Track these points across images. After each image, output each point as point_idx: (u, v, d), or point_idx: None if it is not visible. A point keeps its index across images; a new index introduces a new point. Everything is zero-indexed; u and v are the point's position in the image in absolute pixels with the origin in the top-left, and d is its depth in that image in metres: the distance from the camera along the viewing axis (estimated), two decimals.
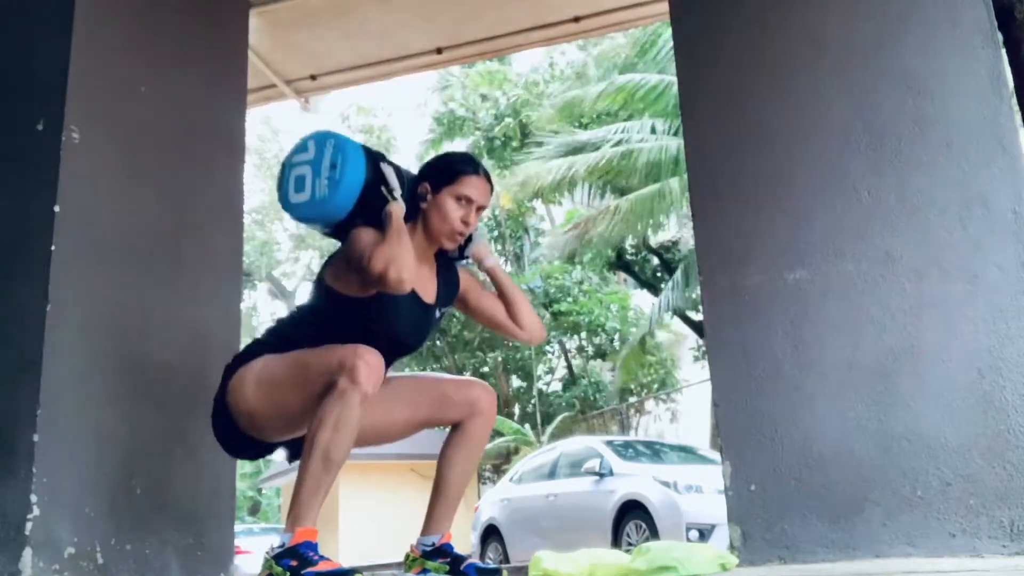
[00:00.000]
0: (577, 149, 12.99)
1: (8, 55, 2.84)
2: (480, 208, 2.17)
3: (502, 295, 2.29)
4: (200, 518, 3.01)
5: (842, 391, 2.59)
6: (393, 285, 1.92)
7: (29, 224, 2.62)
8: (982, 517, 2.39)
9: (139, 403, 2.82)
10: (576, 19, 4.47)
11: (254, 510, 27.96)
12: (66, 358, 2.56)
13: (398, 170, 2.18)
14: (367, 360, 1.88)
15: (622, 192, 13.09)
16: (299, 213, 2.15)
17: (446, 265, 2.26)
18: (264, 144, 25.24)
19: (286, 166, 2.16)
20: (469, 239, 2.21)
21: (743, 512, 2.61)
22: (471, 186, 2.14)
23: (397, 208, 2.06)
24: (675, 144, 11.52)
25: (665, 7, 3.22)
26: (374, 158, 2.14)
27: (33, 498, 2.40)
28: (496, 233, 18.80)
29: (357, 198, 2.08)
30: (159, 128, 3.07)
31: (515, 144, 17.65)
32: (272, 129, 25.72)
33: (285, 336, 2.11)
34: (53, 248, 2.56)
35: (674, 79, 10.80)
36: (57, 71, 2.70)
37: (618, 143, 12.45)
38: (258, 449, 2.17)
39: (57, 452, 2.49)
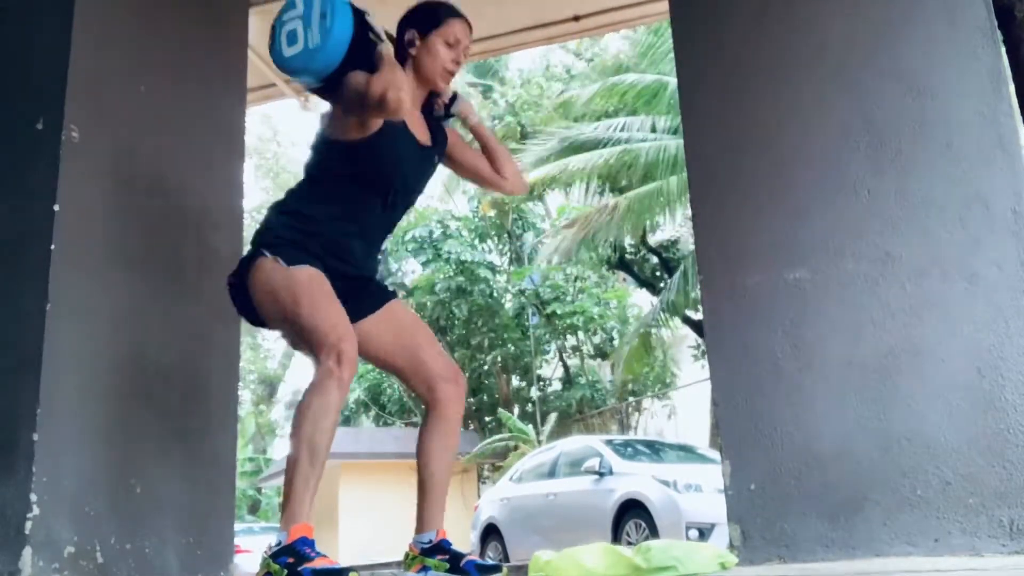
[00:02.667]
0: (576, 147, 12.97)
1: (8, 55, 2.84)
2: (465, 48, 2.28)
3: (486, 149, 2.41)
4: (200, 517, 3.01)
5: (842, 391, 2.59)
6: (392, 105, 2.00)
7: (29, 224, 2.62)
8: (982, 516, 2.39)
9: (139, 403, 2.82)
10: (576, 18, 4.47)
11: (254, 509, 27.97)
12: (66, 358, 2.56)
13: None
14: (345, 349, 1.95)
15: (620, 190, 13.08)
16: (293, 64, 2.18)
17: (433, 121, 2.34)
18: (264, 143, 25.21)
19: (277, 25, 2.21)
20: (454, 98, 2.32)
21: (743, 511, 2.61)
22: (458, 28, 2.25)
23: (387, 48, 2.14)
24: (674, 144, 11.53)
25: (665, 7, 3.22)
26: (358, 11, 2.19)
27: (33, 497, 2.40)
28: (494, 232, 18.80)
29: (347, 48, 2.13)
30: (159, 128, 3.07)
31: (513, 145, 17.66)
32: (272, 128, 25.70)
33: (297, 209, 2.17)
34: (53, 248, 2.56)
35: (671, 78, 10.83)
36: (57, 71, 2.70)
37: (617, 142, 12.44)
38: None
39: (57, 452, 2.49)
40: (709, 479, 6.90)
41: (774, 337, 2.69)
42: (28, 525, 2.37)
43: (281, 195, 2.28)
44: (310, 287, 2.06)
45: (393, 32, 2.28)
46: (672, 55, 3.27)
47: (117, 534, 2.65)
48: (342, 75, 2.12)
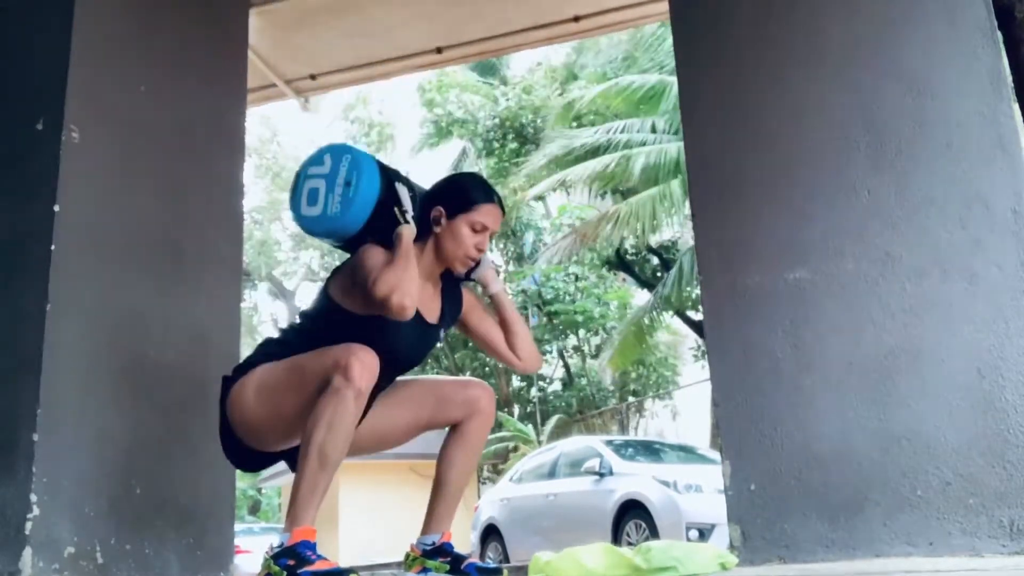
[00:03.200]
0: (577, 152, 12.99)
1: (8, 55, 2.84)
2: (492, 234, 2.18)
3: (503, 322, 2.27)
4: (200, 518, 3.01)
5: (842, 391, 2.59)
6: (396, 312, 1.92)
7: (29, 224, 2.62)
8: (982, 517, 2.39)
9: (139, 403, 2.82)
10: (576, 19, 4.47)
11: (254, 509, 27.97)
12: (66, 358, 2.56)
13: (411, 188, 2.19)
14: (361, 357, 1.89)
15: (622, 193, 13.10)
16: (310, 226, 2.15)
17: (451, 284, 2.25)
18: (264, 144, 25.22)
19: (300, 176, 2.16)
20: (477, 262, 2.20)
21: (743, 512, 2.61)
22: (487, 214, 2.14)
23: (407, 232, 2.06)
24: (675, 147, 11.54)
25: (665, 7, 3.22)
26: (388, 176, 2.14)
27: (33, 498, 2.40)
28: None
29: (369, 216, 2.08)
30: (159, 128, 3.08)
31: (513, 146, 17.66)
32: (272, 129, 25.71)
33: (286, 343, 2.11)
34: (53, 248, 2.56)
35: (672, 79, 10.84)
36: (57, 71, 2.70)
37: (617, 146, 12.45)
38: (261, 460, 2.16)
39: (57, 452, 2.49)
40: (709, 479, 6.90)
41: (774, 337, 2.69)
42: (28, 525, 2.37)
43: (275, 335, 2.22)
44: (289, 360, 2.01)
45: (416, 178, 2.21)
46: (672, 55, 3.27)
47: (117, 534, 2.65)
48: (362, 240, 2.07)
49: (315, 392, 1.91)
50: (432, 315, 2.17)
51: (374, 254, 2.01)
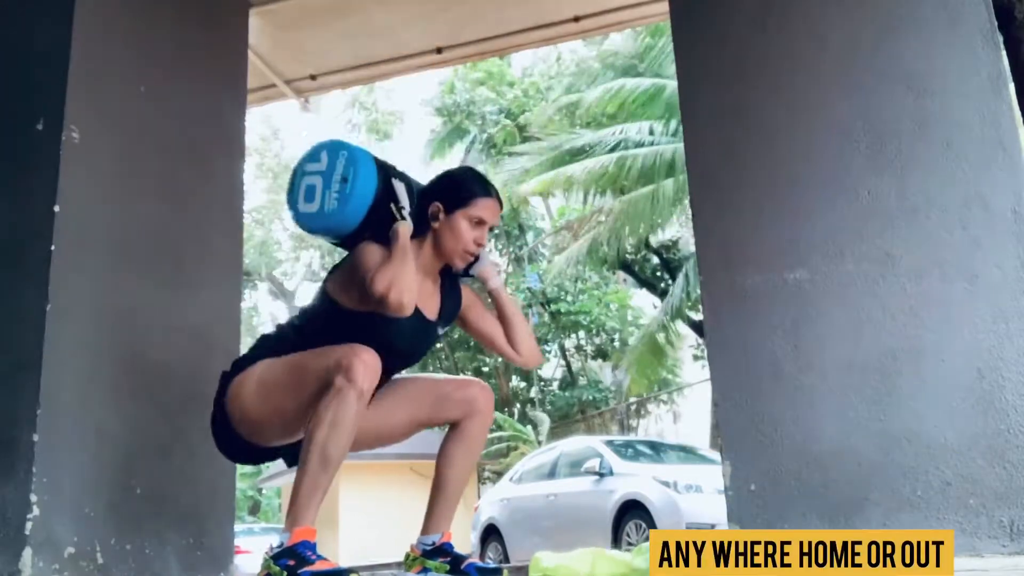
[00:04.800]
0: (574, 153, 13.02)
1: (8, 55, 2.84)
2: (491, 228, 2.18)
3: (502, 317, 2.27)
4: (200, 518, 3.01)
5: (842, 391, 2.59)
6: (394, 308, 1.92)
7: (29, 224, 2.62)
8: (982, 517, 2.39)
9: (139, 403, 2.82)
10: (576, 19, 4.47)
11: (254, 510, 27.96)
12: (66, 358, 2.56)
13: (408, 184, 2.18)
14: (363, 358, 1.89)
15: (622, 191, 13.11)
16: (307, 223, 2.15)
17: (450, 280, 2.25)
18: (264, 144, 25.22)
19: (297, 173, 2.15)
20: (476, 258, 2.20)
21: (743, 512, 2.61)
22: (485, 208, 2.14)
23: (405, 228, 2.06)
24: (670, 149, 11.58)
25: (665, 7, 3.22)
26: (386, 172, 2.14)
27: (33, 498, 2.40)
28: (495, 232, 18.77)
29: (367, 212, 2.08)
30: (159, 128, 3.08)
31: (513, 145, 17.67)
32: (272, 129, 25.71)
33: (285, 340, 2.11)
34: (53, 248, 2.56)
35: (670, 81, 10.85)
36: (57, 71, 2.70)
37: (615, 147, 12.49)
38: (258, 455, 2.17)
39: (57, 452, 2.49)
40: (709, 480, 6.90)
41: (774, 337, 2.69)
42: (28, 525, 2.37)
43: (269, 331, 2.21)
44: (290, 357, 2.00)
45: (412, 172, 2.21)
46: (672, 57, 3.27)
47: (117, 534, 2.65)
48: (360, 236, 2.07)
49: (316, 391, 1.90)
50: (431, 311, 2.17)
51: (372, 251, 2.01)
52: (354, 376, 1.86)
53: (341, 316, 2.06)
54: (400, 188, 2.13)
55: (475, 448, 2.22)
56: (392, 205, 2.09)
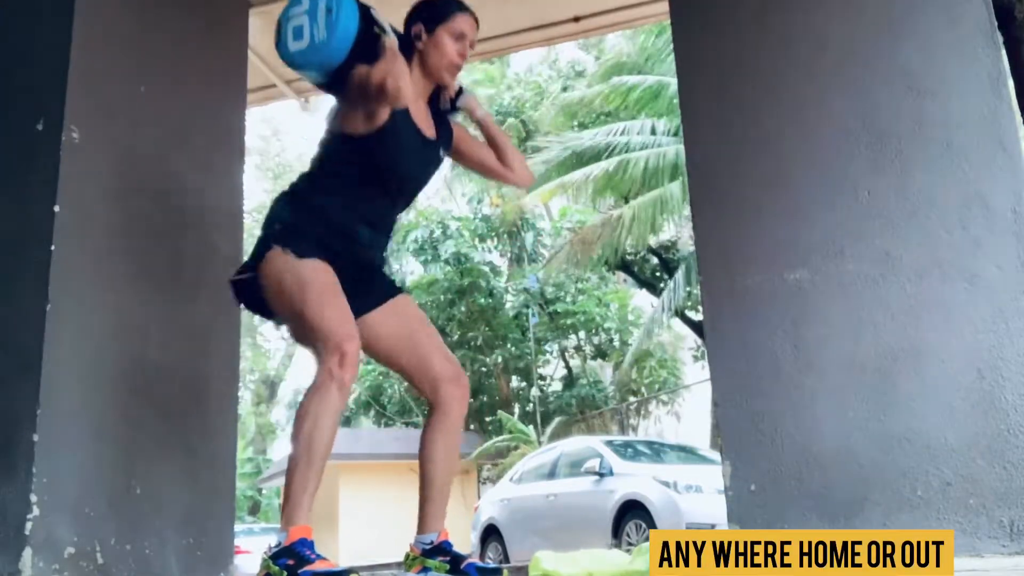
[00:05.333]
0: (577, 153, 13.00)
1: (8, 55, 2.84)
2: (471, 42, 2.29)
3: (492, 142, 2.39)
4: (200, 518, 3.01)
5: (842, 391, 2.59)
6: (392, 93, 2.02)
7: (29, 224, 2.62)
8: (982, 517, 2.39)
9: (139, 403, 2.82)
10: (576, 19, 4.46)
11: (254, 510, 27.97)
12: (66, 358, 2.56)
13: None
14: (346, 349, 1.95)
15: (623, 196, 13.10)
16: (299, 59, 2.19)
17: (439, 115, 2.35)
18: (264, 144, 25.22)
19: (282, 20, 2.21)
20: (460, 92, 2.33)
21: (743, 512, 2.61)
22: (464, 22, 2.27)
23: (391, 40, 2.14)
24: (673, 149, 11.55)
25: (665, 7, 3.22)
26: (364, 7, 2.20)
27: (33, 498, 2.40)
28: (495, 233, 18.79)
29: (352, 42, 2.13)
30: (159, 128, 3.07)
31: (515, 144, 17.63)
32: (272, 129, 25.71)
33: (296, 195, 2.19)
34: (53, 248, 2.56)
35: (671, 79, 10.84)
36: (57, 71, 2.70)
37: (617, 149, 12.46)
38: None
39: (57, 452, 2.49)
40: (709, 480, 6.90)
41: (774, 337, 2.69)
42: (28, 526, 2.37)
43: (286, 187, 2.29)
44: (317, 283, 2.06)
45: (399, 27, 2.29)
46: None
47: (117, 534, 2.64)
48: (348, 69, 2.13)
49: (311, 339, 2.02)
50: (430, 131, 2.27)
51: (363, 67, 2.09)
52: (345, 363, 1.94)
53: (349, 145, 2.17)
54: (378, 14, 2.19)
55: (453, 441, 2.26)
56: (375, 27, 2.16)
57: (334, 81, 2.21)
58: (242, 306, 2.27)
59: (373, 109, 2.12)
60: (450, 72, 2.27)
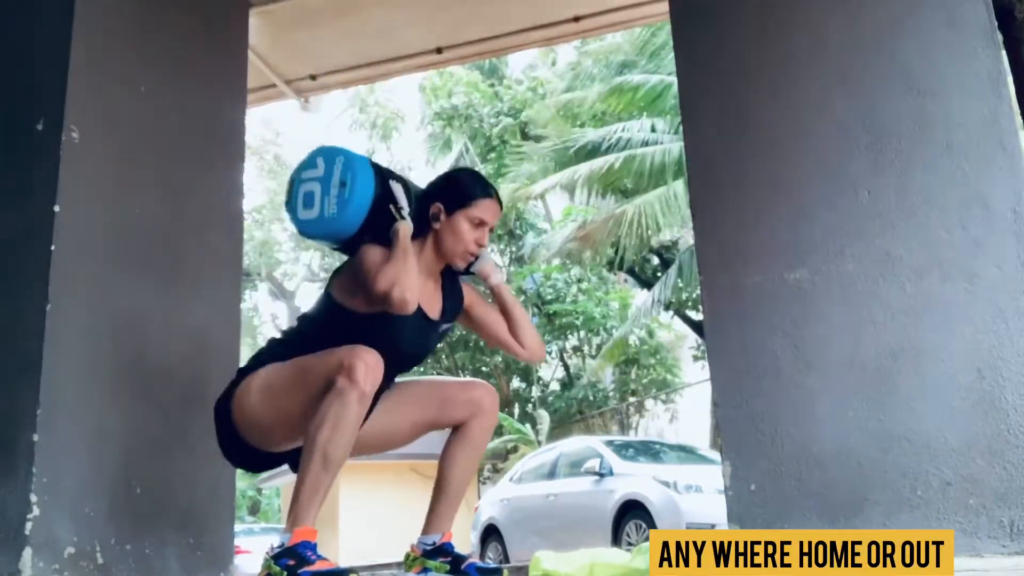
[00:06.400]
0: (577, 152, 12.98)
1: (8, 55, 2.84)
2: (491, 228, 2.19)
3: (505, 313, 2.28)
4: (200, 518, 3.01)
5: (842, 391, 2.59)
6: (397, 305, 1.93)
7: (29, 224, 2.62)
8: (982, 517, 2.39)
9: (139, 403, 2.82)
10: (576, 19, 4.47)
11: (254, 510, 27.96)
12: (66, 358, 2.56)
13: (406, 186, 2.19)
14: (365, 359, 1.89)
15: (624, 193, 13.08)
16: (308, 230, 2.16)
17: (451, 279, 2.26)
18: (264, 144, 25.22)
19: (295, 181, 2.16)
20: (476, 256, 2.21)
21: (743, 512, 2.61)
22: (485, 209, 2.16)
23: (405, 227, 2.07)
24: (677, 147, 11.52)
25: (665, 7, 3.22)
26: (383, 175, 2.15)
27: (33, 498, 2.40)
28: (495, 233, 18.76)
29: (366, 216, 2.09)
30: (159, 128, 3.08)
31: (514, 144, 17.65)
32: (273, 130, 25.71)
33: (289, 345, 2.12)
34: (53, 248, 2.56)
35: (672, 79, 10.85)
36: (57, 71, 2.70)
37: (619, 147, 12.44)
38: (265, 461, 2.16)
39: (57, 452, 2.49)
40: (709, 480, 6.90)
41: (774, 337, 2.69)
42: (28, 526, 2.37)
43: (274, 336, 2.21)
44: (293, 361, 2.01)
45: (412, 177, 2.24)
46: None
47: (117, 534, 2.65)
48: (360, 240, 2.07)
49: (320, 392, 1.91)
50: (434, 311, 2.18)
51: (373, 252, 2.02)
52: (356, 377, 1.87)
53: (345, 319, 2.07)
54: (398, 189, 2.14)
55: (478, 449, 2.22)
56: (391, 206, 2.10)
57: (345, 247, 2.17)
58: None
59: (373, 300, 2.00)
60: (463, 260, 2.16)
